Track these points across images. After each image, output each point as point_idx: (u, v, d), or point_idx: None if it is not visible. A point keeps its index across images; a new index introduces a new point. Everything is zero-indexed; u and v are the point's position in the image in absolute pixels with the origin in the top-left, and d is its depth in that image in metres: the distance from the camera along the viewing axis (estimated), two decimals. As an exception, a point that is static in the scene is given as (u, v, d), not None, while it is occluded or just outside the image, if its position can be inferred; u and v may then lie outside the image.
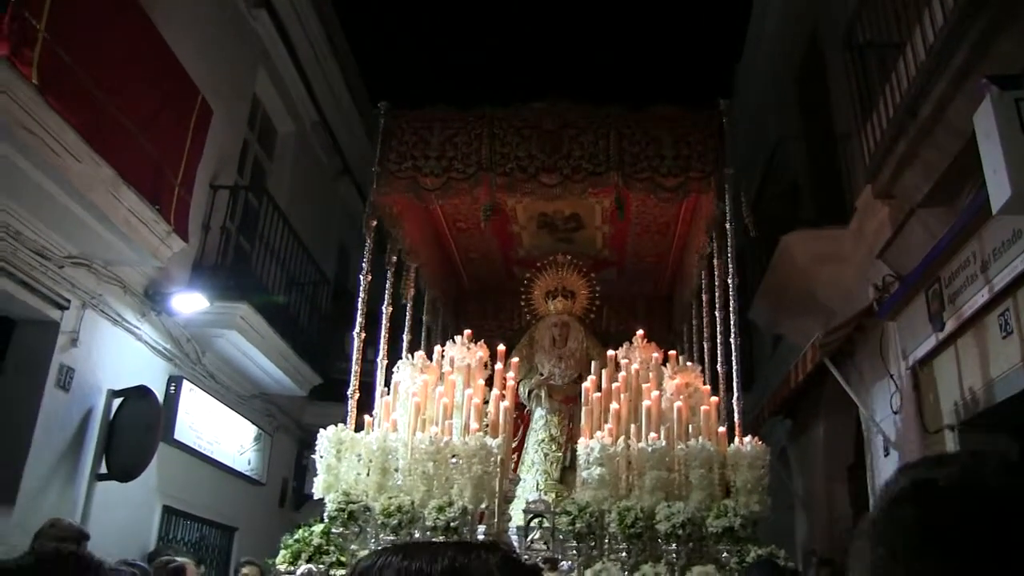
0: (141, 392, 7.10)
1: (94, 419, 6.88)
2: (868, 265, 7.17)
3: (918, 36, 5.18)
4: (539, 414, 7.66)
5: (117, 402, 7.07)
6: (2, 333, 6.32)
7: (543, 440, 7.46)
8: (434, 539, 5.23)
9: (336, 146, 12.38)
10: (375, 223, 6.98)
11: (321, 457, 6.06)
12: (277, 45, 10.11)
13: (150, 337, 7.59)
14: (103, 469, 6.93)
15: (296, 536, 5.82)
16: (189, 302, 7.58)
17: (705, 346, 7.38)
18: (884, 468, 7.19)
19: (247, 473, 9.74)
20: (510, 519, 6.17)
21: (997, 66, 4.44)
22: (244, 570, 7.20)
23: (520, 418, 7.69)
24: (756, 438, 6.10)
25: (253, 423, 9.84)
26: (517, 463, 7.30)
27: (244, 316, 8.18)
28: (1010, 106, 3.76)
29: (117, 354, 7.13)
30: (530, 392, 7.75)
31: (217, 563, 9.25)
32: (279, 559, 5.76)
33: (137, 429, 6.95)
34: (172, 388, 7.89)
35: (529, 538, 5.93)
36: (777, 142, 9.63)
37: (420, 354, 6.91)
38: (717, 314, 6.76)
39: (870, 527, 0.93)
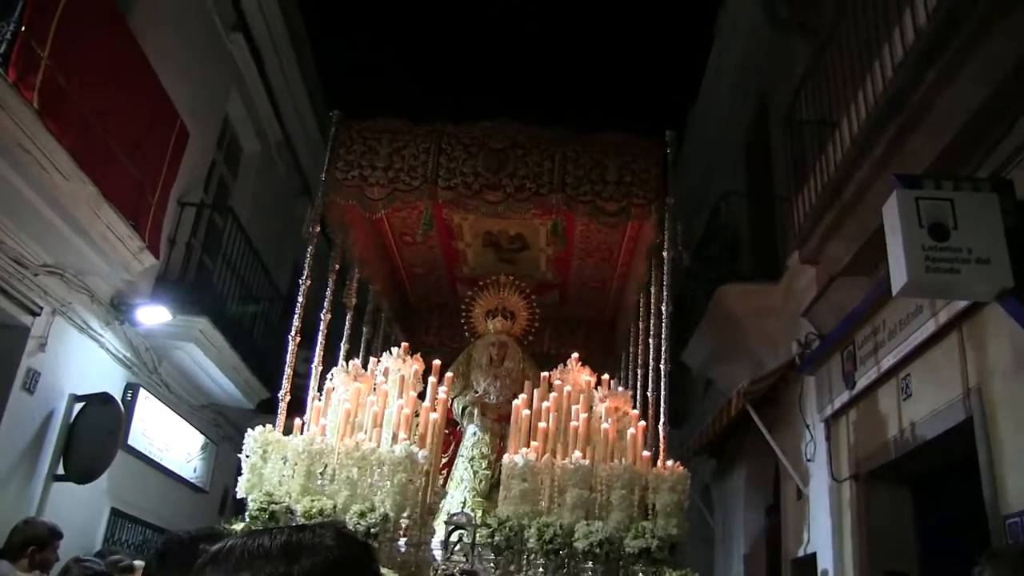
0: (103, 399, 7.42)
1: (55, 422, 7.17)
2: (795, 321, 7.72)
3: (845, 125, 5.77)
4: (471, 431, 7.59)
5: (78, 407, 7.36)
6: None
7: (474, 457, 7.41)
8: None
9: (298, 166, 12.77)
10: (319, 230, 6.97)
11: (247, 457, 6.01)
12: (250, 67, 10.50)
13: (112, 345, 7.88)
14: (60, 471, 7.21)
15: None
16: (153, 314, 7.89)
17: (639, 373, 7.51)
18: (796, 511, 7.76)
19: (192, 480, 10.04)
20: (434, 532, 6.19)
21: (910, 160, 5.05)
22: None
23: (452, 435, 7.69)
24: (678, 463, 6.22)
25: (201, 432, 10.15)
26: (446, 479, 7.33)
27: (203, 330, 8.52)
28: (912, 203, 4.32)
29: (80, 360, 7.43)
30: (464, 409, 7.70)
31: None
32: None
33: (97, 434, 7.26)
34: (129, 395, 8.18)
35: (449, 551, 5.95)
36: (723, 193, 10.21)
37: (355, 362, 6.91)
38: (651, 341, 6.92)
39: None
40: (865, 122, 5.38)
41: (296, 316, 6.77)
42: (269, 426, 6.21)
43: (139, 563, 6.14)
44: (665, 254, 6.78)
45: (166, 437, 9.13)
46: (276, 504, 5.73)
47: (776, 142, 8.90)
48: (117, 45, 6.45)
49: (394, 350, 6.97)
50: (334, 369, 6.77)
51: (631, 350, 8.15)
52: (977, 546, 4.60)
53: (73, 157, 5.70)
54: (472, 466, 7.39)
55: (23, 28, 5.28)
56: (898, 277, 4.32)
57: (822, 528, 7.01)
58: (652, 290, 7.02)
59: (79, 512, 7.53)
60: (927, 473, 6.06)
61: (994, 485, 4.64)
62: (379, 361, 6.93)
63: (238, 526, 5.76)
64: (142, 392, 8.36)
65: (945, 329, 5.18)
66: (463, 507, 6.93)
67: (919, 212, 4.31)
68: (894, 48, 4.99)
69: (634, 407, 6.84)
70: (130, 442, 8.15)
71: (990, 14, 4.12)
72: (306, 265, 6.88)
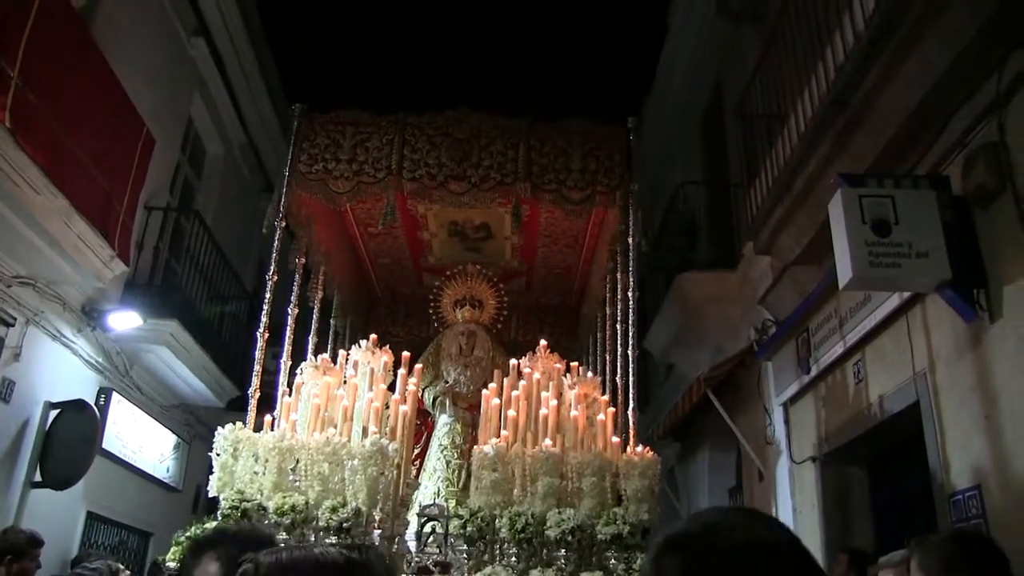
0: (78, 405, 7.54)
1: (30, 430, 7.29)
2: (752, 308, 7.98)
3: (792, 122, 6.02)
4: (443, 421, 7.58)
5: (53, 413, 7.48)
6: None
7: (446, 447, 7.40)
8: (327, 539, 5.34)
9: (261, 165, 12.84)
10: (284, 224, 6.86)
11: (217, 456, 5.95)
12: (212, 71, 10.57)
13: (84, 351, 7.98)
14: (37, 477, 7.32)
15: (188, 533, 5.68)
16: (124, 319, 7.99)
17: (607, 358, 7.55)
18: (758, 492, 8.05)
19: (165, 480, 10.17)
20: (408, 524, 6.16)
21: (855, 156, 5.31)
22: None
23: (424, 425, 7.70)
24: (648, 448, 6.26)
25: (173, 432, 10.28)
26: (419, 470, 7.33)
27: (173, 333, 8.64)
28: (855, 201, 4.57)
29: (54, 367, 7.53)
30: (435, 399, 7.69)
31: (133, 567, 9.59)
32: (169, 555, 5.65)
33: (73, 440, 7.38)
34: (102, 399, 8.29)
35: (422, 543, 5.93)
36: (680, 183, 10.44)
37: (323, 356, 6.86)
38: (619, 327, 7.00)
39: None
40: (811, 120, 5.62)
41: (264, 312, 6.68)
42: (239, 424, 6.13)
43: (121, 566, 6.31)
44: (631, 240, 6.83)
45: (139, 439, 9.25)
46: (248, 502, 5.68)
47: (730, 131, 9.12)
48: (82, 57, 6.54)
49: (363, 343, 6.89)
50: (303, 364, 6.70)
51: (598, 335, 8.20)
52: (926, 523, 4.92)
53: (44, 171, 5.81)
54: (445, 456, 7.38)
55: (-7, 50, 5.37)
56: (844, 272, 4.58)
57: (784, 509, 7.30)
58: (618, 276, 7.08)
59: (56, 517, 7.63)
60: (881, 454, 6.35)
61: (940, 465, 4.92)
62: (348, 354, 6.87)
63: (210, 524, 5.66)
64: (114, 396, 8.47)
65: (893, 316, 5.45)
66: (436, 498, 6.93)
67: (862, 209, 4.56)
68: (836, 50, 5.24)
69: (602, 393, 6.94)
70: (104, 446, 8.24)
71: (922, 20, 4.36)
72: (273, 260, 6.78)
